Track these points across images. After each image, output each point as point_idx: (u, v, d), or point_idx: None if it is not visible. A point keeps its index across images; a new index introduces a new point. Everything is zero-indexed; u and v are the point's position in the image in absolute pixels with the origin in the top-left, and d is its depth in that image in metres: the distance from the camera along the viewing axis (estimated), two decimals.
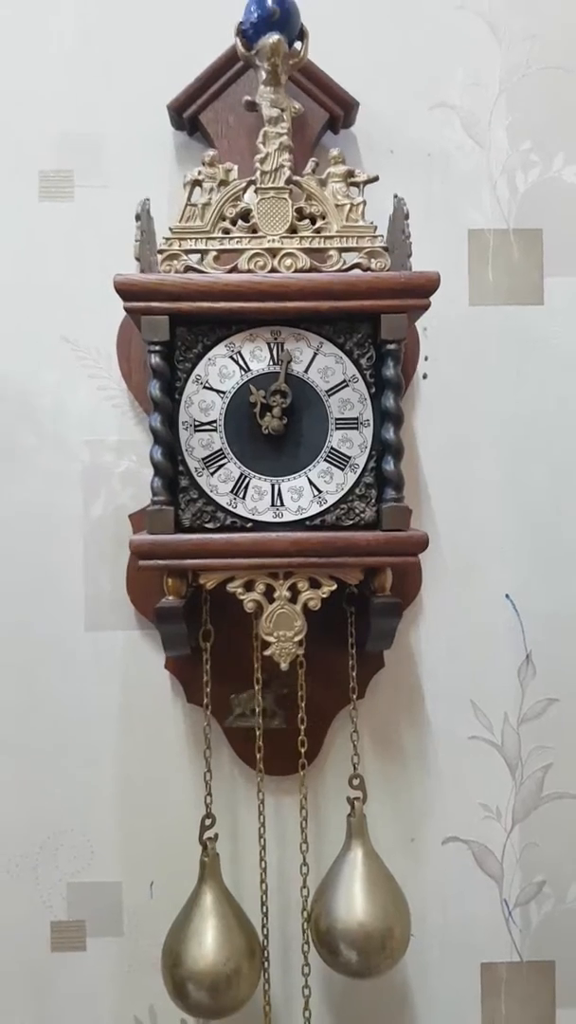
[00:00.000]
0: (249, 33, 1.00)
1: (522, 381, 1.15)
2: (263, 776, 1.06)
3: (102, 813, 1.12)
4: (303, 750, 1.03)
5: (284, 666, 0.96)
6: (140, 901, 1.12)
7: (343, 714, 1.10)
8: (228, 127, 1.08)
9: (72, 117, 1.12)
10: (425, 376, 1.14)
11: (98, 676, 1.12)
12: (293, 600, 0.95)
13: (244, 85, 1.06)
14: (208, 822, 1.03)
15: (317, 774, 1.11)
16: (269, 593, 0.96)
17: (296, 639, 0.95)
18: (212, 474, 0.96)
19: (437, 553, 1.13)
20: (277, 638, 0.95)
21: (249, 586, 0.96)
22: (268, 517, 0.96)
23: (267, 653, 0.96)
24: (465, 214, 1.15)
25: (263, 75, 0.99)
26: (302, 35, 1.02)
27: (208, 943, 0.98)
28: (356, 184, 0.98)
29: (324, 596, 0.96)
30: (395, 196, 0.99)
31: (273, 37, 0.97)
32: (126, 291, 0.92)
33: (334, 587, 0.96)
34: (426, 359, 1.15)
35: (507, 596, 1.15)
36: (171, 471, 0.95)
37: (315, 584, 0.96)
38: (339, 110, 1.08)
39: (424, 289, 0.93)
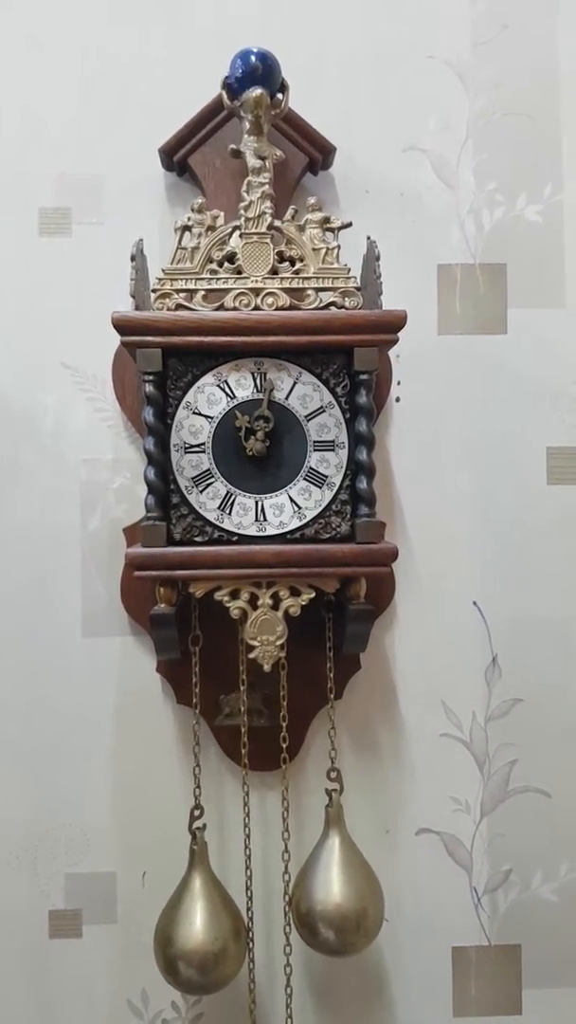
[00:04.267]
0: (234, 87, 1.05)
1: (487, 404, 1.20)
2: (248, 771, 1.12)
3: (98, 808, 1.17)
4: (285, 746, 1.10)
5: (267, 668, 1.03)
6: (133, 890, 1.17)
7: (322, 713, 1.14)
8: (215, 169, 1.13)
9: (71, 158, 1.18)
10: (398, 400, 1.19)
11: (94, 679, 1.17)
12: (275, 607, 1.02)
13: (230, 131, 1.11)
14: (197, 813, 1.09)
15: (298, 769, 1.16)
16: (253, 601, 1.02)
17: (278, 643, 1.02)
18: (201, 492, 1.02)
19: (410, 563, 1.18)
20: (261, 642, 1.02)
21: (235, 594, 1.03)
22: (252, 531, 1.02)
23: (251, 656, 1.03)
24: (435, 250, 1.20)
25: (247, 125, 1.04)
26: (283, 88, 1.07)
27: (197, 924, 1.04)
28: (332, 229, 1.04)
29: (304, 603, 1.03)
30: (368, 238, 1.05)
31: (256, 91, 1.02)
32: (123, 327, 0.99)
33: (313, 595, 1.03)
34: (399, 384, 1.19)
35: (474, 603, 1.20)
36: (163, 489, 1.02)
37: (295, 592, 1.03)
38: (318, 154, 1.14)
39: (393, 325, 1.01)
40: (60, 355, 1.17)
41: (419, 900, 1.19)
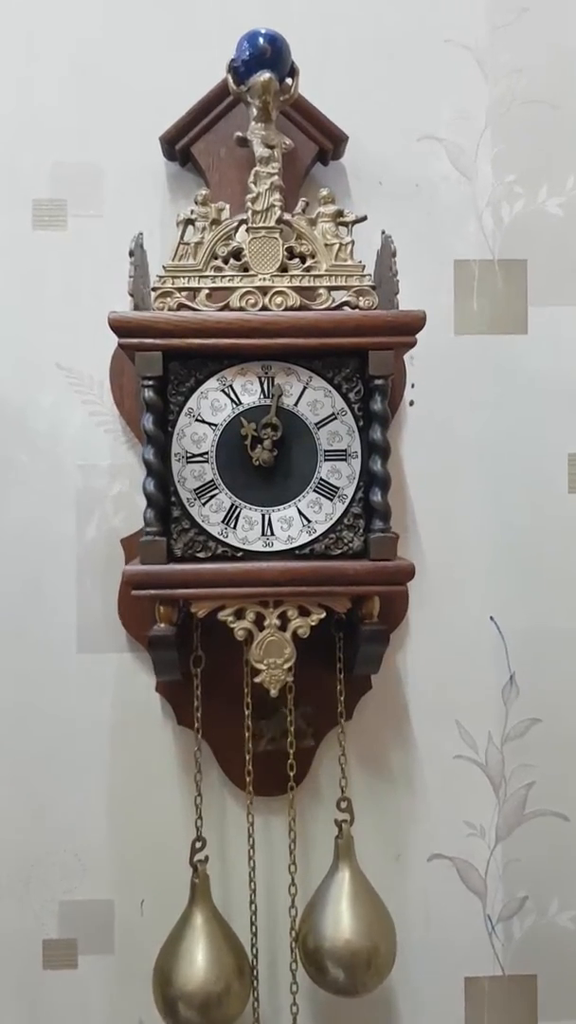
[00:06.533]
0: (240, 70, 1.00)
1: (505, 408, 1.16)
2: (252, 799, 1.07)
3: (94, 832, 1.13)
4: (292, 773, 1.05)
5: (273, 692, 0.97)
6: (131, 919, 1.13)
7: (331, 735, 1.11)
8: (219, 159, 1.09)
9: (66, 147, 1.13)
10: (412, 403, 1.15)
11: (90, 698, 1.13)
12: (283, 628, 0.97)
13: (235, 118, 1.07)
14: (199, 845, 1.04)
15: (305, 794, 1.12)
16: (259, 621, 0.97)
17: (286, 666, 0.97)
18: (204, 504, 0.97)
19: (423, 576, 1.12)
20: (267, 665, 0.97)
21: (239, 614, 0.97)
22: (258, 547, 0.97)
23: (257, 680, 0.98)
24: (451, 245, 1.15)
25: (254, 112, 1.00)
26: (293, 72, 1.02)
27: (198, 963, 0.99)
28: (345, 224, 0.98)
29: (313, 624, 0.98)
30: (382, 233, 1.00)
31: (264, 75, 0.97)
32: (120, 328, 0.93)
33: (323, 615, 0.98)
34: (412, 387, 1.15)
35: (491, 618, 1.16)
36: (163, 502, 0.96)
37: (304, 612, 0.98)
38: (329, 143, 1.09)
39: (410, 327, 0.95)
40: (55, 355, 1.13)
41: (430, 928, 1.15)
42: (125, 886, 1.13)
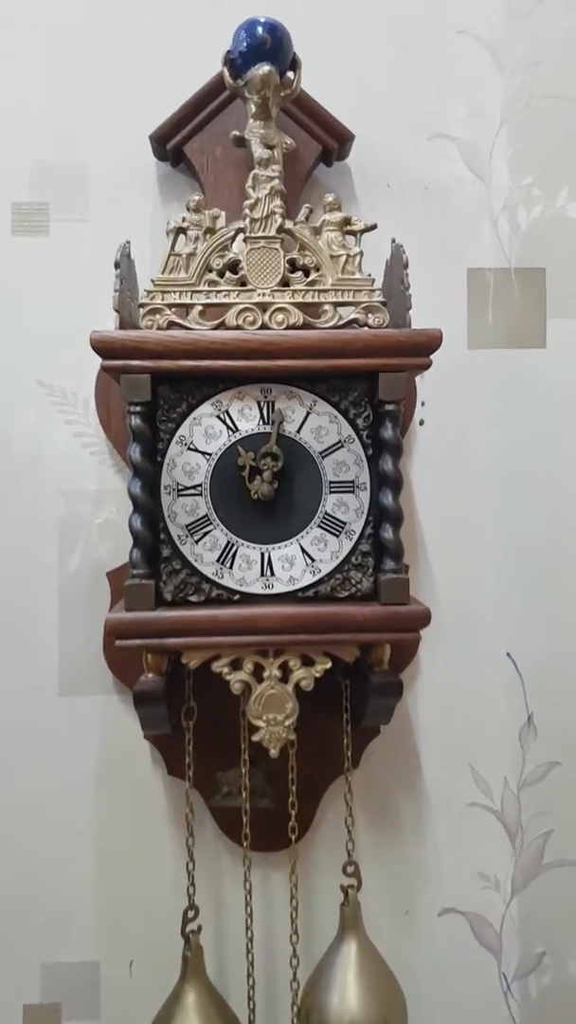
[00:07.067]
0: (238, 63, 0.95)
1: (523, 428, 1.11)
2: (250, 861, 1.00)
3: (78, 888, 1.07)
4: (294, 837, 0.97)
5: (274, 752, 0.89)
6: (118, 981, 1.07)
7: (336, 784, 1.05)
8: (214, 159, 1.03)
9: (48, 145, 1.08)
10: (422, 422, 1.09)
11: (73, 744, 1.07)
12: (284, 679, 0.89)
13: (231, 115, 1.02)
14: (191, 914, 0.96)
15: (308, 849, 1.06)
16: (258, 672, 0.89)
17: (287, 723, 0.89)
18: (196, 542, 0.90)
19: (434, 609, 0.99)
20: (267, 722, 0.89)
21: (236, 665, 0.89)
22: (257, 589, 0.90)
23: (256, 738, 0.90)
24: (464, 252, 1.11)
25: (252, 108, 0.94)
26: (294, 65, 0.97)
27: None
28: (353, 233, 0.92)
29: (318, 675, 0.90)
30: (393, 241, 0.93)
31: (263, 68, 0.92)
32: (104, 349, 0.86)
33: (328, 665, 0.90)
34: (423, 405, 1.09)
35: (508, 654, 1.11)
36: (151, 540, 0.89)
37: (308, 662, 0.90)
38: (333, 142, 1.04)
39: (425, 347, 0.87)
40: (36, 372, 1.08)
41: (442, 987, 1.09)
42: (112, 946, 1.07)
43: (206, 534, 0.90)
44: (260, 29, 0.94)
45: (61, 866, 1.07)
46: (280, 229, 0.90)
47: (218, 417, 0.90)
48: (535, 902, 1.11)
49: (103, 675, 1.07)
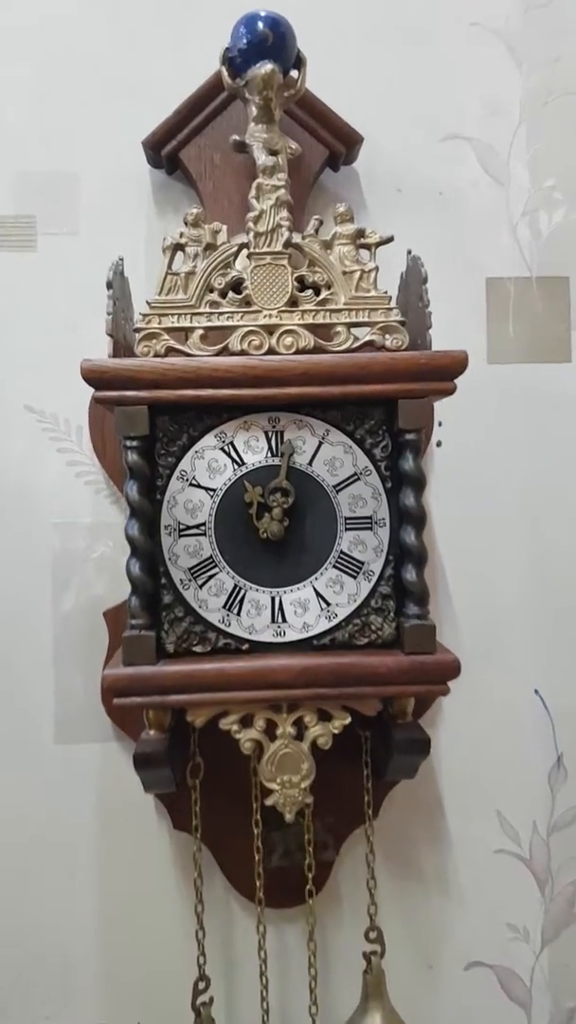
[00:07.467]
0: (237, 61, 0.91)
1: (547, 449, 1.08)
2: (264, 928, 0.94)
3: (80, 947, 1.02)
4: (311, 899, 0.90)
5: (289, 817, 0.83)
6: None
7: (354, 835, 1.00)
8: (213, 166, 0.99)
9: (33, 154, 1.04)
10: (439, 444, 1.06)
11: (71, 796, 1.02)
12: (299, 737, 0.83)
13: (231, 118, 0.98)
14: (202, 985, 0.91)
15: (326, 904, 1.01)
16: (270, 729, 0.83)
17: (303, 784, 0.83)
18: (201, 586, 0.84)
19: (456, 643, 1.03)
20: (281, 784, 0.83)
21: (246, 721, 0.83)
22: (268, 637, 0.84)
23: (269, 802, 0.84)
24: (482, 261, 1.07)
25: (253, 110, 0.91)
26: (299, 63, 0.93)
27: None
28: (367, 246, 0.86)
29: (336, 732, 0.84)
30: (408, 253, 0.88)
31: (266, 67, 0.88)
32: (96, 379, 0.80)
33: (348, 721, 0.84)
34: (440, 425, 1.06)
35: (536, 691, 1.07)
36: (151, 587, 0.83)
37: (325, 716, 0.84)
38: (340, 146, 1.00)
39: (449, 371, 0.81)
40: (24, 396, 1.03)
41: None
42: (116, 1010, 1.02)
43: (211, 577, 0.84)
44: (261, 24, 0.90)
45: (61, 925, 1.02)
46: (287, 244, 0.85)
47: (222, 449, 0.84)
48: (567, 954, 1.07)
49: (101, 721, 1.02)
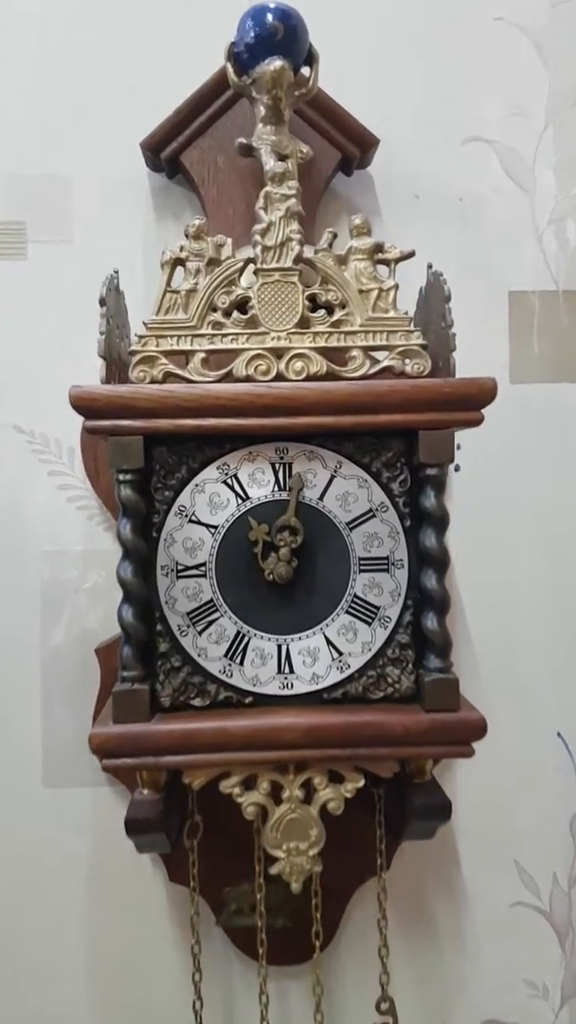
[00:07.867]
0: (244, 57, 0.87)
1: (572, 474, 1.05)
2: (267, 997, 0.89)
3: (70, 1005, 1.00)
4: (316, 955, 0.85)
5: (296, 887, 0.77)
6: None
7: (362, 888, 0.97)
8: (216, 170, 0.96)
9: (24, 156, 1.02)
10: (458, 468, 0.98)
11: (60, 843, 0.99)
12: (307, 800, 0.78)
13: (236, 119, 0.95)
14: None
15: (332, 963, 0.98)
16: (276, 792, 0.78)
17: (311, 852, 0.77)
18: (200, 633, 0.79)
19: (475, 683, 1.00)
20: (287, 852, 0.77)
21: (250, 783, 0.78)
22: (273, 689, 0.79)
23: (274, 871, 0.78)
24: (505, 272, 1.05)
25: (261, 111, 0.86)
26: (311, 59, 0.89)
27: None
28: (386, 262, 0.81)
29: (348, 795, 0.78)
30: (429, 268, 0.83)
31: (275, 63, 0.84)
32: (86, 408, 0.74)
33: (361, 784, 0.79)
34: (459, 448, 0.99)
35: (559, 734, 1.04)
36: (145, 634, 0.78)
37: (336, 777, 0.79)
38: (355, 149, 0.97)
39: (475, 400, 0.76)
40: (12, 416, 1.01)
41: None
42: None
43: (211, 623, 0.79)
44: (271, 16, 0.86)
45: (50, 978, 0.99)
46: (298, 259, 0.80)
47: (225, 483, 0.80)
48: None
49: (92, 764, 0.94)
